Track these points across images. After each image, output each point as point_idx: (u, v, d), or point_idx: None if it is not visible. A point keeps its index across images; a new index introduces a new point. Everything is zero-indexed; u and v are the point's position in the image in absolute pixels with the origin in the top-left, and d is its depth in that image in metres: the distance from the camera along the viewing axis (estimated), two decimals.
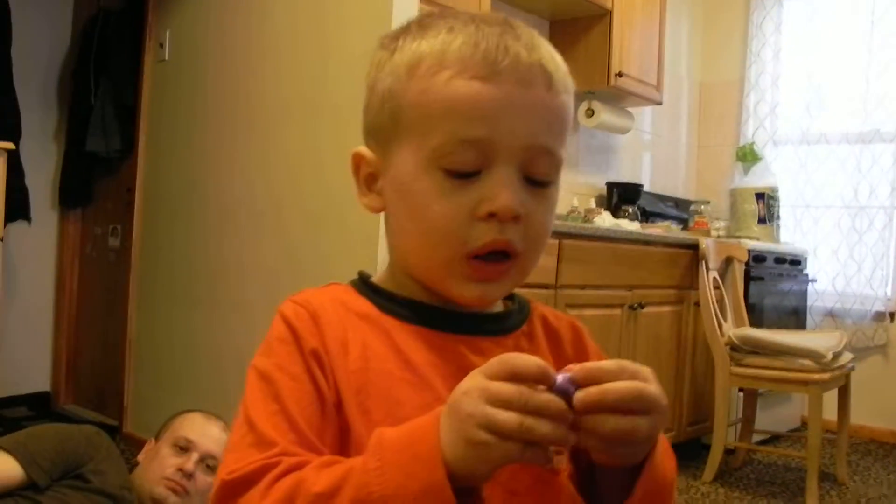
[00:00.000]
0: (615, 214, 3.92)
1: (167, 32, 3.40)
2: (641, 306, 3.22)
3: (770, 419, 3.90)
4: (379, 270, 0.86)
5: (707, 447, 3.42)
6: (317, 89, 2.73)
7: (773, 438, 3.99)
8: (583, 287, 2.96)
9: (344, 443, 0.73)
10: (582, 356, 0.88)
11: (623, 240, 3.20)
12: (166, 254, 3.33)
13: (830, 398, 3.27)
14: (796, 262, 4.26)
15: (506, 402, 0.59)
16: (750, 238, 4.11)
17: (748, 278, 3.78)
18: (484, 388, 0.60)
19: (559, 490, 0.75)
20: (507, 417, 0.58)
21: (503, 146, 0.73)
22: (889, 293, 4.42)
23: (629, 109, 4.27)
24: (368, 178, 0.83)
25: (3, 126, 3.51)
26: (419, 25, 0.78)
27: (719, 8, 5.07)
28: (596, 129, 4.16)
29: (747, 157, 4.67)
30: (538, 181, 0.76)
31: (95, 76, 3.84)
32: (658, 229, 3.80)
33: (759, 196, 4.42)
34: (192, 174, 3.22)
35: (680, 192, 4.99)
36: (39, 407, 3.95)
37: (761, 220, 4.38)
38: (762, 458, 3.76)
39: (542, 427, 0.59)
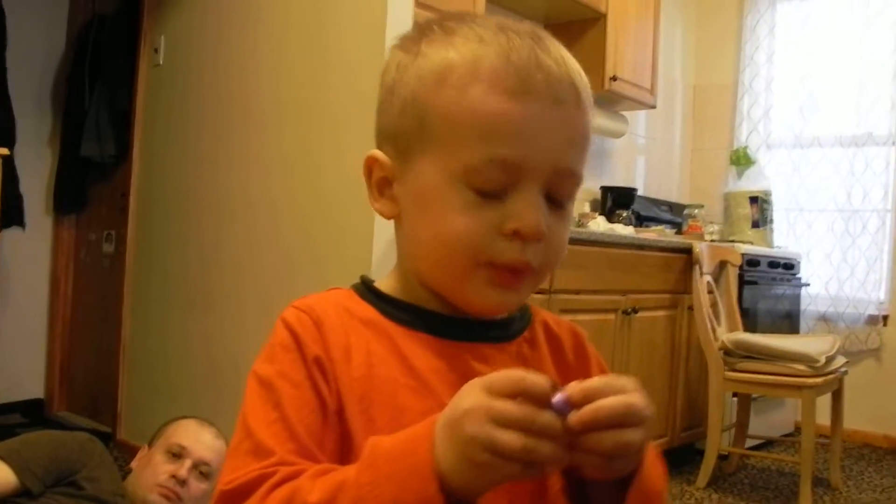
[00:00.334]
0: (609, 219, 3.92)
1: (162, 37, 3.40)
2: (635, 311, 3.23)
3: (763, 424, 3.91)
4: (377, 274, 0.86)
5: (701, 452, 3.42)
6: (311, 94, 2.74)
7: (767, 443, 3.99)
8: (577, 292, 2.97)
9: (345, 450, 0.72)
10: (583, 362, 0.89)
11: (617, 244, 3.21)
12: (161, 259, 3.33)
13: (824, 402, 3.28)
14: (790, 266, 4.27)
15: (510, 423, 0.58)
16: (743, 242, 4.12)
17: (742, 282, 3.79)
18: (488, 407, 0.59)
19: (554, 501, 0.75)
20: (511, 439, 0.58)
21: (532, 167, 0.72)
22: (882, 297, 4.43)
23: (623, 113, 4.28)
24: (381, 182, 0.80)
25: None
26: (443, 30, 0.76)
27: (713, 11, 5.08)
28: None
29: (741, 160, 4.68)
30: (558, 201, 0.76)
31: (90, 81, 3.84)
32: (652, 233, 3.80)
33: (753, 200, 4.42)
34: (187, 179, 3.22)
35: (674, 196, 5.00)
36: (33, 414, 3.94)
37: (755, 224, 4.38)
38: (756, 464, 3.76)
39: (545, 448, 0.58)
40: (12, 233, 3.70)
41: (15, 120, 3.67)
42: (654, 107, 4.32)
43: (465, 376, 0.70)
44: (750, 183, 4.59)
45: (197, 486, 1.82)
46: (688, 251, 3.48)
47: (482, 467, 0.59)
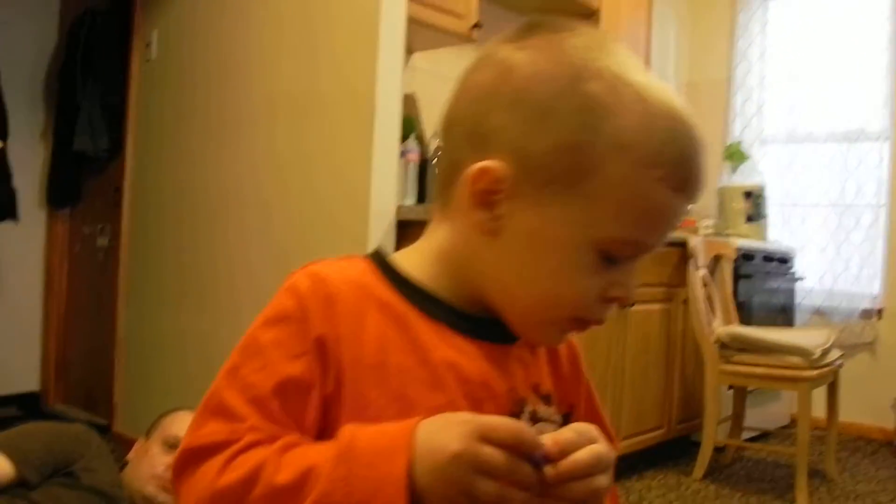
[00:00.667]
0: None
1: (154, 32, 3.40)
2: (631, 304, 3.23)
3: (759, 417, 3.92)
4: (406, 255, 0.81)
5: (697, 444, 3.43)
6: (304, 89, 2.73)
7: (763, 436, 4.00)
8: None
9: (324, 437, 0.70)
10: (576, 379, 0.88)
11: None
12: (155, 253, 3.32)
13: (819, 395, 3.29)
14: (784, 260, 4.28)
15: (492, 472, 0.60)
16: (738, 236, 4.13)
17: (737, 276, 3.80)
18: (475, 456, 0.60)
19: None
20: (488, 488, 0.60)
21: (650, 247, 0.74)
22: (876, 291, 4.44)
23: None
24: (486, 193, 0.73)
25: None
26: (608, 77, 0.70)
27: (705, 8, 5.09)
28: None
29: (735, 156, 4.69)
30: None
31: (82, 76, 3.83)
32: None
33: (747, 194, 4.43)
34: (180, 174, 3.21)
35: None
36: (29, 407, 3.93)
37: (749, 219, 4.39)
38: (752, 455, 3.77)
39: (518, 498, 0.61)
40: (6, 227, 3.69)
41: (7, 115, 3.65)
42: None
43: (475, 373, 0.74)
44: (744, 178, 4.61)
45: None
46: (683, 245, 3.48)
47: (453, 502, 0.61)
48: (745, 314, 3.77)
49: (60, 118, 3.96)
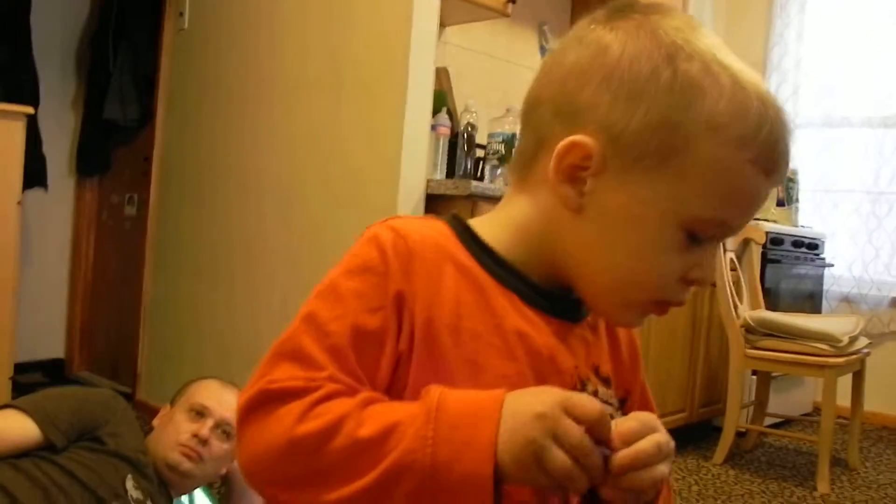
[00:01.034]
0: None
1: (187, 1, 3.39)
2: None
3: (782, 403, 3.89)
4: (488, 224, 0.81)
5: (718, 429, 3.41)
6: (336, 62, 2.72)
7: (785, 422, 3.97)
8: None
9: (395, 395, 0.70)
10: (635, 368, 0.89)
11: None
12: (182, 223, 3.33)
13: (843, 384, 3.25)
14: (814, 245, 4.23)
15: (566, 446, 0.60)
16: (768, 220, 4.08)
17: (765, 261, 3.76)
18: (557, 423, 0.61)
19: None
20: (560, 457, 0.60)
21: (734, 228, 0.75)
22: None
23: None
24: (573, 169, 0.73)
25: (21, 92, 3.51)
26: (702, 58, 0.72)
27: None
28: None
29: None
30: None
31: (114, 44, 3.84)
32: None
33: None
34: (210, 145, 3.21)
35: None
36: (53, 373, 3.98)
37: (780, 203, 4.33)
38: (774, 442, 3.75)
39: (582, 481, 0.61)
40: (35, 194, 3.72)
41: (39, 82, 3.67)
42: None
43: (544, 347, 0.74)
44: None
45: (218, 445, 1.82)
46: None
47: (522, 467, 0.61)
48: (772, 300, 3.74)
49: (91, 86, 3.97)
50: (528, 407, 0.62)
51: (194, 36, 3.37)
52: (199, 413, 1.83)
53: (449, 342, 0.71)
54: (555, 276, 0.78)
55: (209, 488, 1.98)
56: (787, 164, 0.74)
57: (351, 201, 2.62)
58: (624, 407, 0.85)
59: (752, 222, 3.83)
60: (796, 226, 4.33)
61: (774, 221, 4.13)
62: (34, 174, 3.58)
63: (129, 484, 1.68)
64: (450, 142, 2.83)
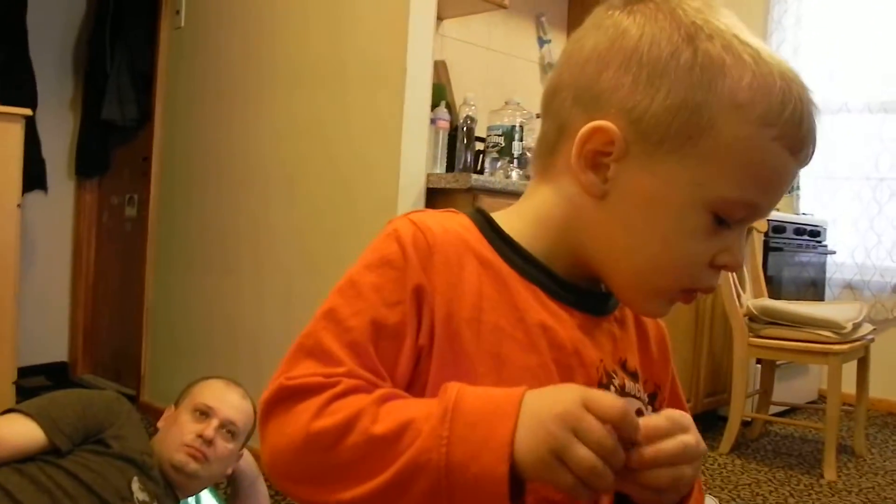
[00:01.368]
0: None
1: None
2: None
3: (787, 392, 3.89)
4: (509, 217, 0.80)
5: (724, 419, 3.41)
6: (334, 56, 2.70)
7: (790, 411, 3.97)
8: None
9: (415, 389, 0.70)
10: (664, 360, 0.89)
11: None
12: (183, 223, 3.32)
13: (848, 371, 3.25)
14: (816, 233, 4.22)
15: (588, 441, 0.59)
16: None
17: (767, 249, 3.75)
18: (579, 420, 0.59)
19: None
20: (582, 454, 0.59)
21: (762, 210, 0.73)
22: None
23: None
24: (595, 155, 0.73)
25: (19, 94, 3.50)
26: (723, 37, 0.70)
27: None
28: None
29: None
30: None
31: (111, 44, 3.83)
32: None
33: None
34: (209, 142, 3.20)
35: None
36: (57, 377, 3.97)
37: None
38: (779, 430, 3.74)
39: (607, 478, 0.60)
40: (35, 196, 3.71)
41: (36, 83, 3.66)
42: None
43: (568, 341, 0.73)
44: None
45: (223, 445, 1.81)
46: None
47: (544, 463, 0.59)
48: (775, 288, 3.73)
49: (89, 87, 3.96)
50: (548, 404, 0.60)
51: (191, 33, 3.36)
52: (204, 413, 1.82)
53: (470, 336, 0.71)
54: (580, 268, 0.77)
55: (216, 489, 1.98)
56: (814, 141, 0.72)
57: (351, 198, 2.61)
58: (654, 402, 0.84)
59: None
60: (798, 213, 4.33)
61: (776, 209, 4.12)
62: (33, 177, 3.58)
63: (135, 486, 1.68)
64: (449, 135, 2.82)
